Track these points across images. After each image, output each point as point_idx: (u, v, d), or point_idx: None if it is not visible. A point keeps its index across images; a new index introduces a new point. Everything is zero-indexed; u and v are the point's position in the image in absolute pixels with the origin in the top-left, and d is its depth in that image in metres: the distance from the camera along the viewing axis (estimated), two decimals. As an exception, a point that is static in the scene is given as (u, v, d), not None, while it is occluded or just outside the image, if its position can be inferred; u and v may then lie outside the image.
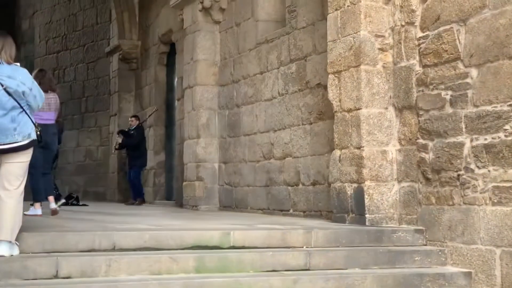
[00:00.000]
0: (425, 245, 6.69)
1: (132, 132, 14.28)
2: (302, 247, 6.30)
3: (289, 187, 9.43)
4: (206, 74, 11.75)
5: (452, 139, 6.42)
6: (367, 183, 7.19)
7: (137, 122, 14.41)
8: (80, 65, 19.20)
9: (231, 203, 11.20)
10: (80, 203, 13.75)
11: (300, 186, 9.16)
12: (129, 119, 14.89)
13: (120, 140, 14.30)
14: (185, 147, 12.19)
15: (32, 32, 21.26)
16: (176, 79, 14.23)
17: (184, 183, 12.13)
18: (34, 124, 5.49)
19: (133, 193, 14.47)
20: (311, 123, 8.97)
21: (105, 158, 17.76)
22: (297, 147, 9.27)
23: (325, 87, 8.50)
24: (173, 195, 14.51)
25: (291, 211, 9.37)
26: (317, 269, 5.98)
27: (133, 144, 14.16)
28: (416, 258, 6.35)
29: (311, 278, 5.68)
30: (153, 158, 15.17)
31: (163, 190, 15.20)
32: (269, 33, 10.22)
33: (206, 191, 11.64)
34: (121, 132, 14.59)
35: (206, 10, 11.69)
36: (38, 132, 5.47)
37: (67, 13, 19.72)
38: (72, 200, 13.69)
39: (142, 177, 14.70)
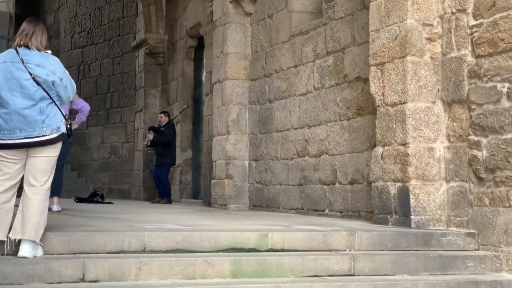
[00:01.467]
0: (477, 249, 6.21)
1: (162, 129, 13.84)
2: (345, 250, 5.86)
3: (325, 186, 8.98)
4: (237, 68, 11.32)
5: (509, 135, 5.92)
6: (413, 182, 6.72)
7: (167, 118, 13.96)
8: (105, 60, 18.87)
9: (262, 202, 10.77)
10: (105, 201, 13.39)
11: (337, 185, 8.70)
12: (159, 115, 14.47)
13: (151, 137, 13.83)
14: (214, 143, 11.77)
15: (57, 26, 20.98)
16: (204, 74, 13.83)
17: (213, 181, 11.71)
18: (64, 116, 5.11)
19: (159, 191, 14.08)
20: (349, 119, 8.51)
21: (131, 155, 17.42)
22: (333, 144, 8.81)
23: (365, 81, 8.07)
24: (200, 194, 14.12)
25: (326, 211, 8.92)
26: (363, 275, 5.54)
27: (166, 141, 13.71)
28: (469, 264, 5.87)
29: (357, 285, 5.25)
30: (180, 155, 14.78)
31: (190, 188, 14.81)
32: (304, 25, 9.77)
33: (236, 190, 11.22)
34: (151, 128, 14.14)
35: (236, 2, 11.27)
36: (68, 126, 5.08)
37: (92, 7, 19.41)
38: (97, 197, 13.34)
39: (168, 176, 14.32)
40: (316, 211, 9.13)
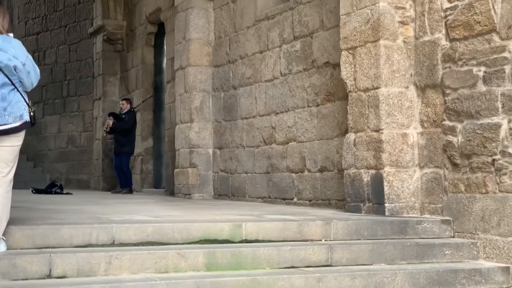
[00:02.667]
0: (453, 237, 6.11)
1: (123, 116, 13.48)
2: (321, 240, 5.70)
3: (293, 174, 8.80)
4: (200, 54, 11.06)
5: (486, 120, 5.81)
6: (387, 169, 6.59)
7: (129, 106, 13.60)
8: (61, 47, 18.33)
9: (227, 191, 10.55)
10: (64, 192, 13.01)
11: (306, 172, 8.53)
12: (120, 102, 14.10)
13: (111, 123, 13.45)
14: (176, 132, 11.50)
15: (10, 12, 20.23)
16: (165, 61, 13.50)
17: (176, 170, 11.45)
18: (27, 103, 4.81)
19: (120, 180, 13.74)
20: (318, 105, 8.34)
21: (89, 144, 16.99)
22: (302, 130, 8.63)
23: (334, 66, 7.91)
24: (162, 183, 13.84)
25: (295, 199, 8.75)
26: (340, 265, 5.38)
27: (126, 128, 13.35)
28: (446, 252, 5.76)
29: (336, 276, 5.07)
30: (141, 144, 14.46)
31: (151, 178, 14.51)
32: (269, 9, 9.55)
33: (200, 179, 10.98)
34: (112, 114, 13.76)
35: (199, -14, 10.99)
36: (31, 113, 4.78)
37: (47, -8, 18.84)
38: (55, 188, 12.95)
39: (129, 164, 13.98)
40: (284, 199, 8.96)
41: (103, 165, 15.67)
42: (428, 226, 6.10)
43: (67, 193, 12.85)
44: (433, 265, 5.54)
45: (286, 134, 8.99)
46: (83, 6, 17.63)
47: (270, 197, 9.34)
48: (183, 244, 5.29)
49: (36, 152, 18.76)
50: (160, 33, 14.17)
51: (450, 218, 6.17)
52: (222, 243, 5.41)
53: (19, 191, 10.91)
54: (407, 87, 6.68)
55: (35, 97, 17.83)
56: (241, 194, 10.11)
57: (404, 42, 6.70)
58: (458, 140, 6.12)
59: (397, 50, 6.68)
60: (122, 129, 13.35)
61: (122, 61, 15.77)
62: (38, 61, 18.56)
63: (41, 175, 18.28)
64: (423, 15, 6.56)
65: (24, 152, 18.32)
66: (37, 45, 19.02)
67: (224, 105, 10.72)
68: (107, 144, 15.27)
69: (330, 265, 5.34)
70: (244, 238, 5.50)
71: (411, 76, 6.69)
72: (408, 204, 6.58)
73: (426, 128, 6.54)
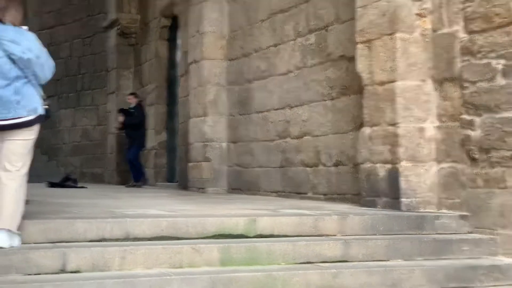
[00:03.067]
0: (471, 232, 6.02)
1: (132, 110, 13.46)
2: (336, 235, 5.63)
3: (308, 168, 8.72)
4: (214, 48, 10.99)
5: (505, 114, 5.71)
6: (403, 163, 6.51)
7: (136, 99, 13.58)
8: (75, 41, 18.32)
9: (241, 186, 10.49)
10: (79, 185, 13.01)
11: (321, 167, 8.45)
12: (127, 97, 14.09)
13: (121, 119, 13.45)
14: (190, 125, 11.45)
15: (24, 6, 20.32)
16: (179, 54, 13.45)
17: (190, 164, 11.40)
18: (42, 97, 4.76)
19: (132, 174, 13.71)
20: (333, 99, 8.25)
21: (103, 138, 16.98)
22: (316, 124, 8.55)
23: (349, 59, 7.82)
24: (175, 177, 13.79)
25: (309, 194, 8.68)
26: (356, 261, 5.31)
27: (136, 123, 13.35)
28: (464, 248, 5.67)
29: (352, 272, 5.01)
30: (154, 138, 14.43)
31: (165, 172, 14.47)
32: (284, 2, 9.45)
33: (214, 173, 10.92)
34: (121, 110, 13.75)
35: (213, -21, 10.92)
36: (46, 107, 4.74)
37: (61, -14, 18.82)
38: (70, 182, 12.95)
39: (141, 157, 13.92)
40: (299, 194, 8.89)
41: (117, 159, 15.65)
42: (445, 221, 6.02)
43: (81, 187, 12.85)
44: (451, 261, 5.45)
45: (300, 128, 8.92)
46: (97, 0, 17.61)
47: (284, 192, 9.28)
48: (197, 239, 5.25)
49: (50, 146, 18.78)
50: (174, 26, 14.10)
51: (468, 214, 6.09)
52: (237, 237, 5.36)
53: (34, 184, 10.90)
54: (424, 81, 6.59)
55: (50, 90, 17.81)
56: (255, 189, 10.05)
57: (422, 35, 6.60)
58: (476, 134, 6.02)
59: (414, 43, 6.59)
60: (132, 124, 13.36)
61: (136, 55, 15.74)
62: (52, 55, 18.52)
63: (56, 168, 18.29)
64: (441, 7, 6.46)
65: (39, 145, 18.31)
66: (51, 39, 18.96)
67: (238, 98, 10.65)
68: (122, 138, 15.25)
69: (346, 261, 5.28)
70: (259, 233, 5.45)
71: (428, 69, 6.59)
72: (425, 199, 6.50)
73: (443, 122, 6.45)
